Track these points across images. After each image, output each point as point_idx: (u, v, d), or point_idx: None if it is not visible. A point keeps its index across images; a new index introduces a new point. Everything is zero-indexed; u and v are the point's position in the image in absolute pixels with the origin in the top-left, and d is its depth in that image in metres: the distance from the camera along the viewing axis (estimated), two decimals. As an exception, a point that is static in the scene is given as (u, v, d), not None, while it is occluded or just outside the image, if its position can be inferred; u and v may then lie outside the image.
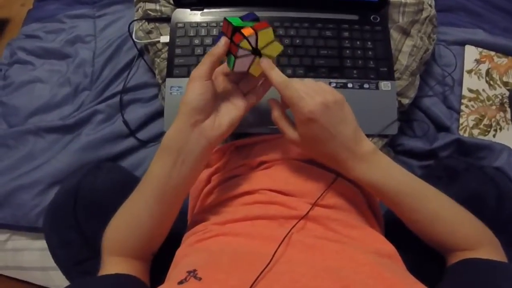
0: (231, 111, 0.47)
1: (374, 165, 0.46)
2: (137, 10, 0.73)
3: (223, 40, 0.45)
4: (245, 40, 0.43)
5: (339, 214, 0.50)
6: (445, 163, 0.65)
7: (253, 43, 0.44)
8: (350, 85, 0.64)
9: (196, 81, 0.44)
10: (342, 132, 0.46)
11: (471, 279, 0.41)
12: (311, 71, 0.64)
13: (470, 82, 0.81)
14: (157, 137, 0.78)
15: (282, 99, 0.48)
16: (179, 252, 0.48)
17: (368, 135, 0.62)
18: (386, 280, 0.35)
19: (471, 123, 0.78)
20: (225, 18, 0.45)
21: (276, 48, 0.47)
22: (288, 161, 0.57)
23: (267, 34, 0.45)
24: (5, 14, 1.46)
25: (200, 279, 0.36)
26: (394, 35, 0.67)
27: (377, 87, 0.64)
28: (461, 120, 0.77)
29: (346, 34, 0.65)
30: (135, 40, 0.73)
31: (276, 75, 0.45)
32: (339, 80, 0.64)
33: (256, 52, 0.45)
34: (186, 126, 0.43)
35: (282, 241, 0.41)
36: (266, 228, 0.47)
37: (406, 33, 0.68)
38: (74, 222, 0.57)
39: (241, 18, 0.46)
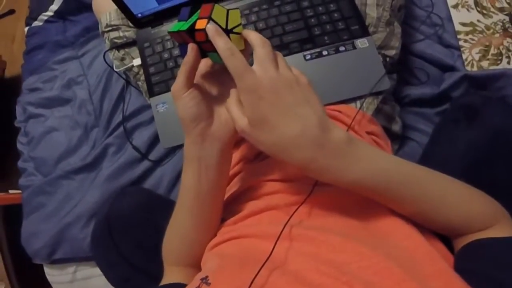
0: None
1: (354, 159, 0.37)
2: (105, 41, 0.75)
3: (190, 46, 0.41)
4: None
5: (343, 192, 0.48)
6: (459, 103, 0.59)
7: None
8: (325, 52, 0.61)
9: (178, 96, 0.42)
10: (301, 115, 0.37)
11: (488, 262, 0.36)
12: (283, 49, 0.62)
13: (460, 16, 0.74)
14: (168, 153, 0.81)
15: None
16: (203, 257, 0.50)
17: (361, 96, 0.61)
18: (393, 276, 0.33)
19: (476, 56, 0.71)
20: (169, 32, 0.43)
21: (235, 15, 0.42)
22: None
23: (218, 12, 0.41)
24: (16, 71, 1.56)
25: (209, 284, 0.38)
26: (355, -10, 0.62)
27: (354, 47, 0.60)
28: (464, 56, 0.72)
29: (305, 3, 0.62)
30: (115, 70, 0.75)
31: (221, 41, 0.38)
32: (313, 51, 0.61)
33: (225, 32, 0.41)
34: (196, 137, 0.43)
35: (279, 237, 0.40)
36: (272, 222, 0.47)
37: None
38: (113, 245, 0.64)
39: (180, 19, 0.43)
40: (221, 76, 0.46)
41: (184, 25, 0.41)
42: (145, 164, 0.81)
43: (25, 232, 0.90)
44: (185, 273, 0.52)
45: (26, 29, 1.06)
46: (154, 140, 0.81)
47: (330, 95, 0.60)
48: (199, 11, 0.41)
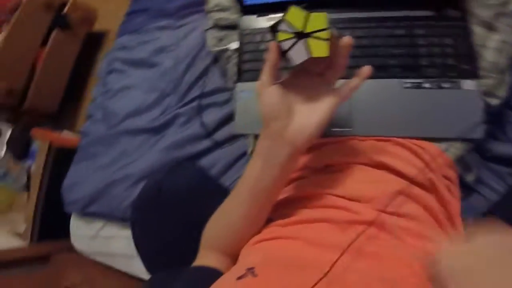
0: (317, 110, 0.45)
1: None
2: (209, 19, 0.77)
3: (271, 45, 0.43)
4: (280, 33, 0.41)
5: (410, 223, 0.47)
6: None
7: (290, 29, 0.41)
8: (426, 85, 0.59)
9: (262, 90, 0.45)
10: None
11: None
12: (382, 71, 0.61)
13: None
14: (231, 138, 0.82)
15: None
16: (243, 250, 0.51)
17: (449, 139, 0.58)
18: None
19: None
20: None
21: (319, 19, 0.41)
22: (355, 165, 0.56)
23: (295, 14, 0.41)
24: (104, 27, 1.66)
25: (256, 275, 0.38)
26: (477, 30, 0.60)
27: (458, 87, 0.58)
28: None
29: (420, 31, 0.61)
30: (209, 48, 0.78)
31: None
32: (415, 80, 0.60)
33: (302, 35, 0.41)
34: (270, 134, 0.45)
35: (346, 250, 0.40)
36: (326, 233, 0.47)
37: (490, 27, 0.60)
38: (157, 215, 0.65)
39: None
40: (305, 79, 0.46)
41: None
42: (207, 142, 0.82)
43: (70, 179, 0.93)
44: (220, 260, 0.52)
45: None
46: (222, 122, 0.82)
47: (419, 129, 0.58)
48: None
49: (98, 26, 1.69)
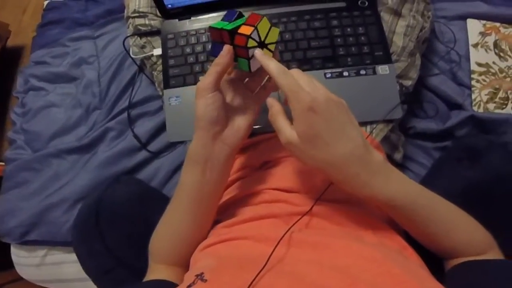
0: (246, 113, 0.47)
1: (389, 178, 0.41)
2: (128, 26, 0.74)
3: (226, 49, 0.43)
4: (250, 39, 0.42)
5: (346, 208, 0.49)
6: (464, 143, 0.63)
7: (257, 39, 0.43)
8: (346, 73, 0.62)
9: (204, 95, 0.43)
10: (351, 135, 0.40)
11: (483, 279, 0.39)
12: (305, 64, 0.63)
13: (477, 56, 0.76)
14: (168, 147, 0.80)
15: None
16: (193, 257, 0.50)
17: (372, 122, 0.62)
18: (395, 277, 0.34)
19: (484, 98, 0.73)
20: (210, 27, 0.44)
21: (275, 33, 0.46)
22: (289, 158, 0.57)
23: (264, 24, 0.43)
24: (19, 42, 1.53)
25: (206, 281, 0.38)
26: (385, 17, 0.64)
27: (374, 72, 0.61)
28: (473, 96, 0.73)
29: (335, 22, 0.63)
30: (131, 56, 0.75)
31: (273, 64, 0.41)
32: (334, 70, 0.62)
33: (261, 45, 0.44)
34: (207, 139, 0.44)
35: (279, 241, 0.41)
36: (272, 228, 0.48)
37: (397, 13, 0.65)
38: (98, 233, 0.62)
39: (224, 19, 0.45)
40: (238, 84, 0.48)
41: (228, 25, 0.43)
42: (143, 154, 0.79)
43: (0, 209, 0.85)
44: (171, 271, 0.51)
45: (46, 2, 1.03)
46: (156, 132, 0.80)
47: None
48: (246, 17, 0.44)
49: (14, 41, 1.56)
